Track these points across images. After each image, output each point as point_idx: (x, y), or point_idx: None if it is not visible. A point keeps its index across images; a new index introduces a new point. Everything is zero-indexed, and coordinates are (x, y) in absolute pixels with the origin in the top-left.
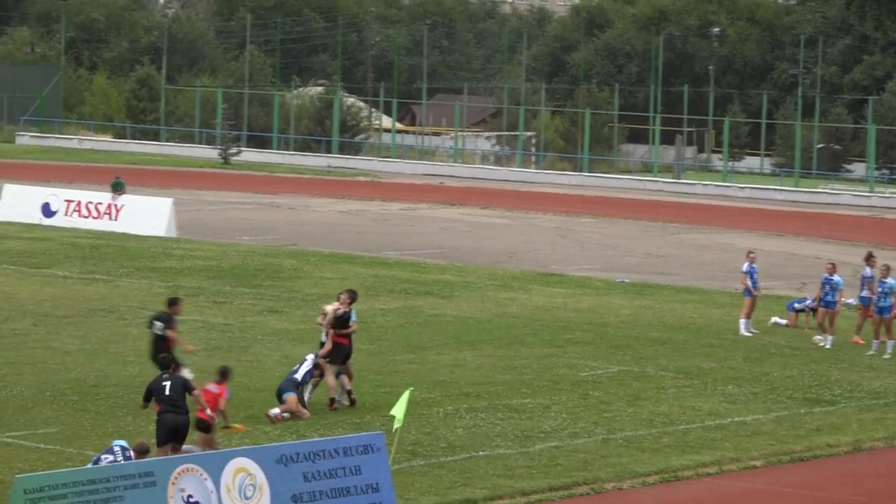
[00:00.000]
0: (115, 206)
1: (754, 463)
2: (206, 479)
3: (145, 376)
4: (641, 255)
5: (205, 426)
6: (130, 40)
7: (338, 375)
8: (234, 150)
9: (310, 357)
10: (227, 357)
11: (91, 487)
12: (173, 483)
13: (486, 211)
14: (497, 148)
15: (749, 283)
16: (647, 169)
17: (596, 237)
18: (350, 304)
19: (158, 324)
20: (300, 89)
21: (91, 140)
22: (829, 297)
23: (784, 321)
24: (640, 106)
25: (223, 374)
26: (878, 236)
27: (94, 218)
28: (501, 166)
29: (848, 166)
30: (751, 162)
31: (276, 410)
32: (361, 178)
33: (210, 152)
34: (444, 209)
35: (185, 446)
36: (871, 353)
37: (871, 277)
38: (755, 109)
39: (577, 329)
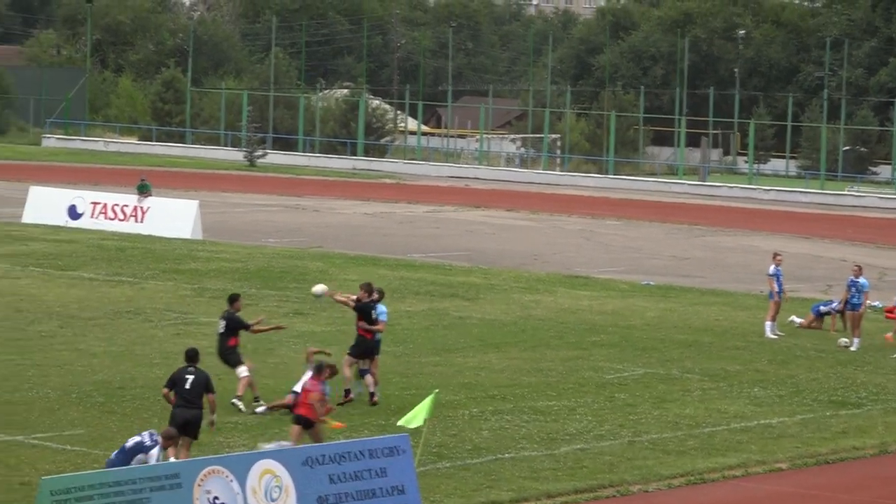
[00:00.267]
0: (141, 208)
1: (780, 465)
2: (231, 481)
3: None
4: (666, 258)
5: (305, 421)
6: (156, 43)
7: (362, 375)
8: (259, 153)
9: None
10: (253, 359)
11: (117, 489)
12: (199, 485)
13: (512, 213)
14: (522, 150)
15: (775, 285)
16: (672, 171)
17: (621, 240)
18: (370, 296)
19: (221, 322)
20: (325, 92)
21: (117, 142)
22: (854, 300)
23: (799, 320)
24: (666, 108)
25: (318, 371)
26: None
27: (119, 220)
28: (526, 168)
29: (874, 168)
30: (776, 164)
31: (262, 408)
32: (387, 181)
33: (235, 154)
34: (470, 211)
35: (281, 442)
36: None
37: None
38: (780, 112)
39: (602, 331)
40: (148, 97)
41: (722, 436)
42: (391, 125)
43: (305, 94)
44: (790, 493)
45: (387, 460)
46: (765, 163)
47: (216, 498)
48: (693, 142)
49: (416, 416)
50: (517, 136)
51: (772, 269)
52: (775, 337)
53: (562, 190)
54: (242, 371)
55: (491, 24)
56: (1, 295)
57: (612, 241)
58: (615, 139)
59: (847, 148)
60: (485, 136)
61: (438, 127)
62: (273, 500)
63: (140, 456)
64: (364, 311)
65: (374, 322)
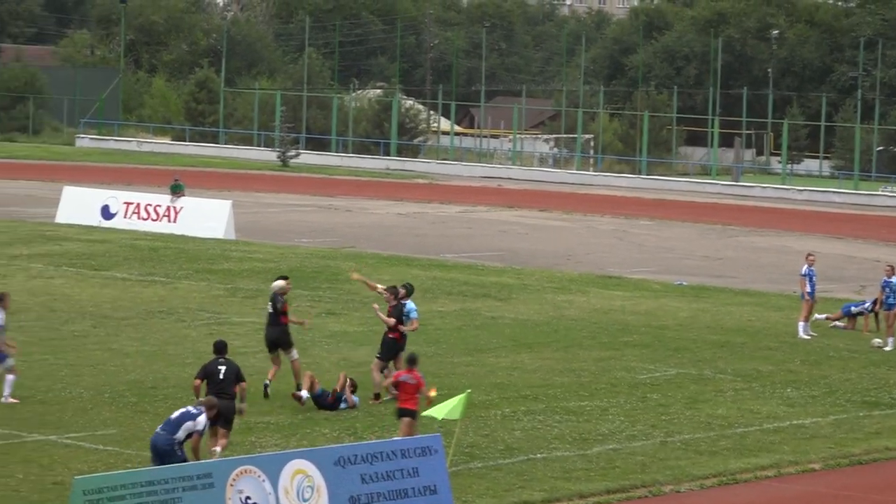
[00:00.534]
0: (174, 208)
1: (813, 466)
2: (264, 481)
3: None
4: (699, 258)
5: (412, 413)
6: (190, 43)
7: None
8: (292, 153)
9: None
10: (286, 359)
11: (149, 489)
12: (231, 484)
13: (544, 213)
14: (555, 150)
15: (807, 286)
16: (705, 172)
17: (654, 240)
18: (396, 298)
19: (270, 303)
20: (359, 92)
21: (150, 142)
22: (889, 300)
23: (823, 316)
24: (699, 108)
25: (412, 361)
26: None
27: (153, 220)
28: (559, 169)
29: None
30: (809, 164)
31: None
32: (419, 181)
33: (268, 155)
34: (502, 211)
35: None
36: None
37: None
38: (814, 112)
39: (634, 332)
40: (181, 97)
41: (754, 436)
42: (424, 125)
43: (339, 95)
44: (823, 493)
45: (419, 460)
46: (798, 163)
47: (248, 498)
48: (726, 142)
49: (444, 410)
50: (550, 136)
51: (804, 269)
52: (808, 337)
53: (595, 190)
54: (294, 354)
55: (524, 24)
56: (34, 295)
57: (645, 241)
58: (648, 139)
59: (881, 148)
60: (518, 136)
61: (471, 127)
62: (305, 501)
63: (188, 423)
64: (395, 314)
65: (403, 322)
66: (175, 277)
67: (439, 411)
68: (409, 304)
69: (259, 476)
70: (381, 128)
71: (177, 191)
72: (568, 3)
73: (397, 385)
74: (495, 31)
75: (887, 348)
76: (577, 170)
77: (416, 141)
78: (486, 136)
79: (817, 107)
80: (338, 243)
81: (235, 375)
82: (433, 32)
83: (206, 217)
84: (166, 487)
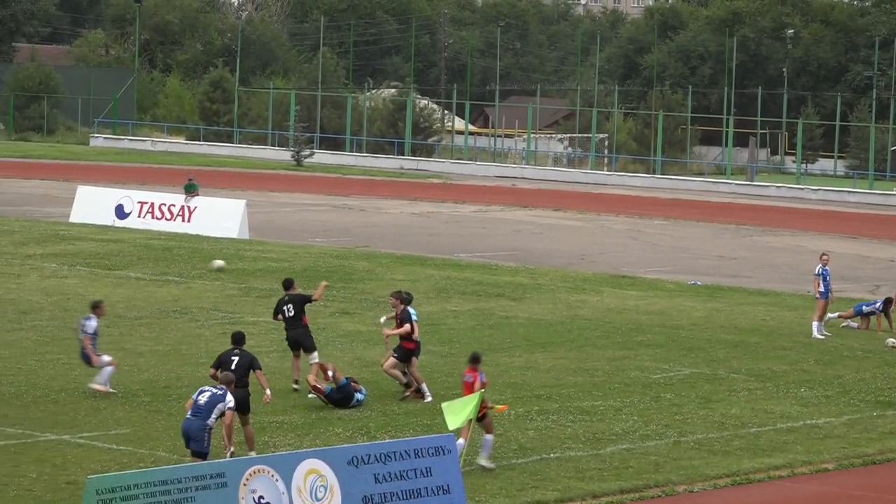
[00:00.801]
0: (188, 207)
1: (826, 466)
2: (277, 481)
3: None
4: (714, 258)
5: (481, 415)
6: (204, 42)
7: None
8: (306, 152)
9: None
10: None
11: (163, 488)
12: (244, 484)
13: (559, 213)
14: (569, 150)
15: (821, 285)
16: (720, 171)
17: (668, 239)
18: (403, 304)
19: (288, 305)
20: (373, 91)
21: (164, 142)
22: None
23: (836, 314)
24: (714, 108)
25: (476, 360)
26: None
27: (167, 220)
28: (574, 168)
29: None
30: (824, 164)
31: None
32: (433, 180)
33: (283, 154)
34: (516, 211)
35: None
36: None
37: None
38: (829, 112)
39: (648, 331)
40: (196, 97)
41: (768, 436)
42: (438, 125)
43: (353, 94)
44: (836, 493)
45: (432, 460)
46: (813, 163)
47: (261, 497)
48: (741, 142)
49: (461, 413)
50: (564, 135)
51: (818, 268)
52: (822, 337)
53: (609, 190)
54: (315, 357)
55: (539, 23)
56: (48, 294)
57: (659, 240)
58: (663, 139)
59: (895, 147)
60: (532, 135)
61: (486, 127)
62: (318, 500)
63: (220, 405)
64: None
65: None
66: (189, 277)
67: (455, 420)
68: (410, 310)
69: (272, 475)
70: (395, 127)
71: (191, 190)
72: (583, 2)
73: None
74: (510, 30)
75: None
76: (592, 169)
77: (430, 140)
78: (500, 136)
79: (832, 106)
80: (352, 243)
81: (249, 364)
82: (448, 32)
83: (220, 217)
84: (179, 487)
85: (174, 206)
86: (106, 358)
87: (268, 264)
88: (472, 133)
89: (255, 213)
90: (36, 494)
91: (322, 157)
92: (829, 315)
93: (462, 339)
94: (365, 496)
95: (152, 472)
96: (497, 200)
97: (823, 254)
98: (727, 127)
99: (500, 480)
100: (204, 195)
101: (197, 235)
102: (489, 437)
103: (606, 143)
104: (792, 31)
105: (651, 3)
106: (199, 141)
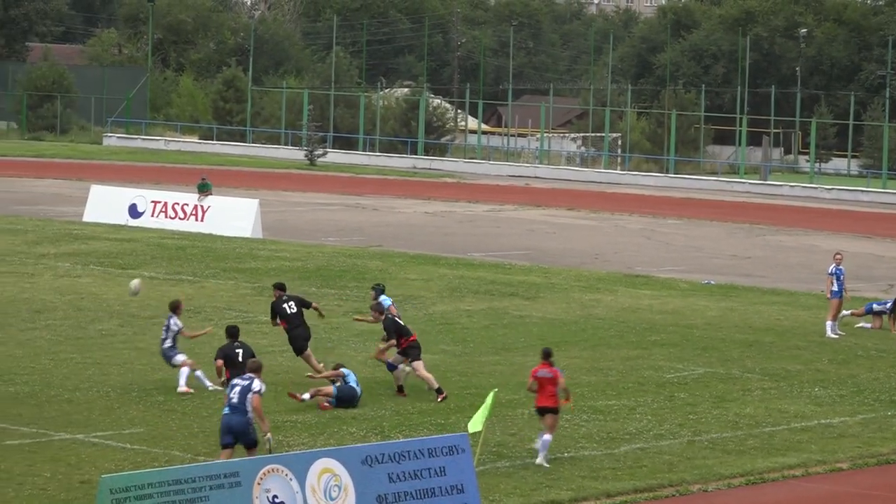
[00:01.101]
0: (202, 207)
1: (840, 465)
2: (291, 480)
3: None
4: (727, 257)
5: (552, 410)
6: (217, 42)
7: (390, 369)
8: (319, 152)
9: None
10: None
11: (176, 487)
12: (258, 483)
13: (572, 212)
14: (583, 149)
15: (834, 285)
16: (733, 170)
17: (682, 239)
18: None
19: (291, 303)
20: (386, 90)
21: (177, 141)
22: None
23: (849, 312)
24: (727, 107)
25: (548, 355)
26: None
27: (180, 219)
28: (587, 167)
29: None
30: (838, 163)
31: (306, 395)
32: (447, 180)
33: (296, 153)
34: (530, 210)
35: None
36: None
37: None
38: (842, 111)
39: (662, 331)
40: (209, 96)
41: (782, 435)
42: (451, 124)
43: (366, 93)
44: (850, 493)
45: (446, 459)
46: (826, 162)
47: (275, 496)
48: (754, 141)
49: (480, 419)
50: (578, 134)
51: (832, 268)
52: (836, 336)
53: (622, 189)
54: (309, 354)
55: (552, 22)
56: (62, 293)
57: (672, 240)
58: (676, 138)
59: None
60: (545, 134)
61: (499, 126)
62: (332, 499)
63: (251, 395)
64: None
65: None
66: (202, 276)
67: (476, 423)
68: (386, 300)
69: (286, 475)
70: (408, 126)
71: (204, 190)
72: (595, 1)
73: (536, 383)
74: (523, 29)
75: None
76: (605, 169)
77: (443, 140)
78: (513, 135)
79: (845, 105)
80: (365, 242)
81: (251, 354)
82: (461, 31)
83: (233, 216)
84: (193, 486)
85: (187, 205)
86: (181, 357)
87: (281, 263)
88: (485, 132)
89: (268, 213)
90: (50, 493)
91: (335, 156)
92: (844, 312)
93: (475, 339)
94: (379, 495)
95: (166, 472)
96: (510, 200)
97: (837, 253)
98: (740, 126)
99: (513, 480)
100: (217, 194)
101: (210, 235)
102: (548, 437)
103: (619, 142)
104: (805, 30)
105: (664, 3)
106: (213, 140)
